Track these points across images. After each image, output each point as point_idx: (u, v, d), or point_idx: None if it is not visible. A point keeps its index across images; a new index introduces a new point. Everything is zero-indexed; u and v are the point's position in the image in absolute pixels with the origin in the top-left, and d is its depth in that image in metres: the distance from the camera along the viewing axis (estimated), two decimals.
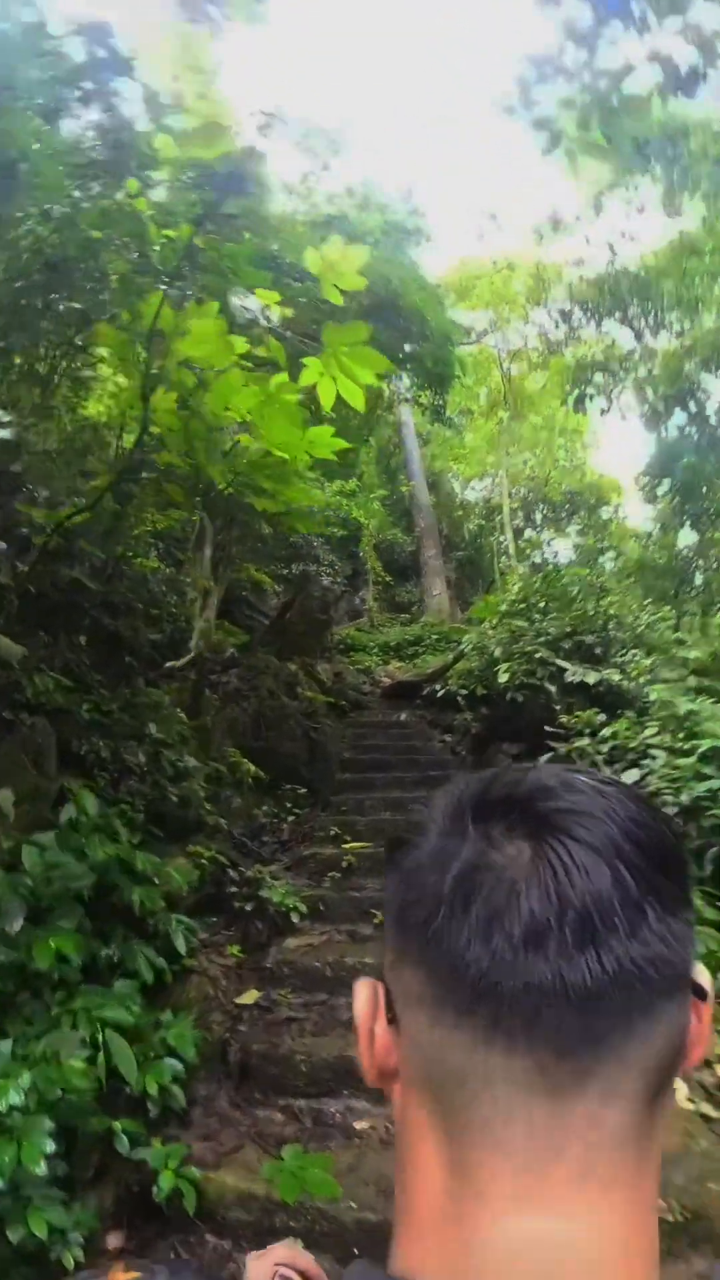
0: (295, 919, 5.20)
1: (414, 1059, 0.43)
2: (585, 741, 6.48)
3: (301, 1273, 0.70)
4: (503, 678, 6.83)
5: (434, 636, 13.99)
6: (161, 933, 4.59)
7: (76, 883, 4.15)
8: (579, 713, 7.05)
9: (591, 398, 12.21)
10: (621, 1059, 0.39)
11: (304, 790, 7.45)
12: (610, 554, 21.25)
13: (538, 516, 23.80)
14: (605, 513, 21.35)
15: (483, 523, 22.10)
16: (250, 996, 4.67)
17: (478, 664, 8.57)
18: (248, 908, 5.47)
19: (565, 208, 16.17)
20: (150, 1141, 3.61)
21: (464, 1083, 0.39)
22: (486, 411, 20.32)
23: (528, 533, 24.67)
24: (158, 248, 4.78)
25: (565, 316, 18.73)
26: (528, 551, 26.48)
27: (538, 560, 24.37)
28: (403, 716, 9.32)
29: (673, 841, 0.42)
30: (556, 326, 18.99)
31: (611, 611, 7.60)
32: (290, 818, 7.05)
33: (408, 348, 9.24)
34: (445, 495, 22.45)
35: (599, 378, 12.02)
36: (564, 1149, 0.38)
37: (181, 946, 4.58)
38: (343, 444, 3.48)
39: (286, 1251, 0.74)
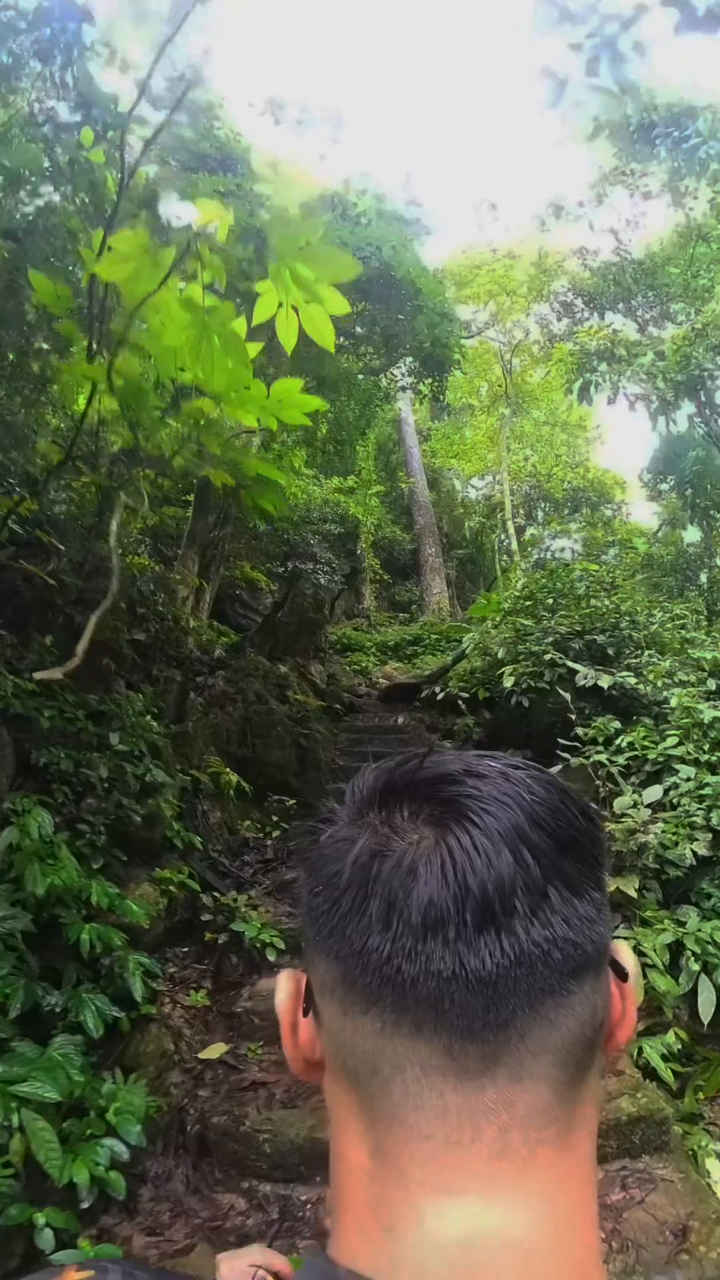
0: (272, 956, 4.51)
1: (331, 1048, 0.43)
2: (600, 752, 5.79)
3: (275, 1274, 0.67)
4: (507, 681, 6.14)
5: (433, 636, 13.31)
6: (117, 976, 3.91)
7: (7, 924, 3.48)
8: (592, 719, 6.35)
9: (597, 386, 11.47)
10: (527, 1041, 0.38)
11: (293, 802, 6.77)
12: (613, 551, 20.54)
13: (539, 514, 23.12)
14: (608, 510, 20.61)
15: (484, 520, 21.40)
16: (216, 1050, 3.98)
17: (480, 665, 7.88)
18: (221, 940, 4.79)
19: (569, 194, 15.46)
20: (79, 1239, 2.93)
21: (376, 1069, 0.39)
22: (487, 406, 19.62)
23: (529, 531, 23.97)
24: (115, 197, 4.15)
25: (567, 309, 18.02)
26: (529, 549, 25.80)
27: (537, 559, 23.70)
28: (400, 720, 8.63)
29: (582, 825, 0.41)
30: (559, 319, 18.30)
31: (625, 608, 6.89)
32: (276, 833, 6.36)
33: (402, 317, 8.53)
34: (445, 493, 21.76)
35: (604, 366, 11.30)
36: (478, 1132, 0.37)
37: (139, 992, 3.90)
38: (316, 402, 2.79)
39: (260, 1254, 0.72)
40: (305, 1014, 0.45)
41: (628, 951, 0.44)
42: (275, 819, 6.56)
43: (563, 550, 17.91)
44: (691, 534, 17.45)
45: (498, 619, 8.62)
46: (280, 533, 15.68)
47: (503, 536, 22.41)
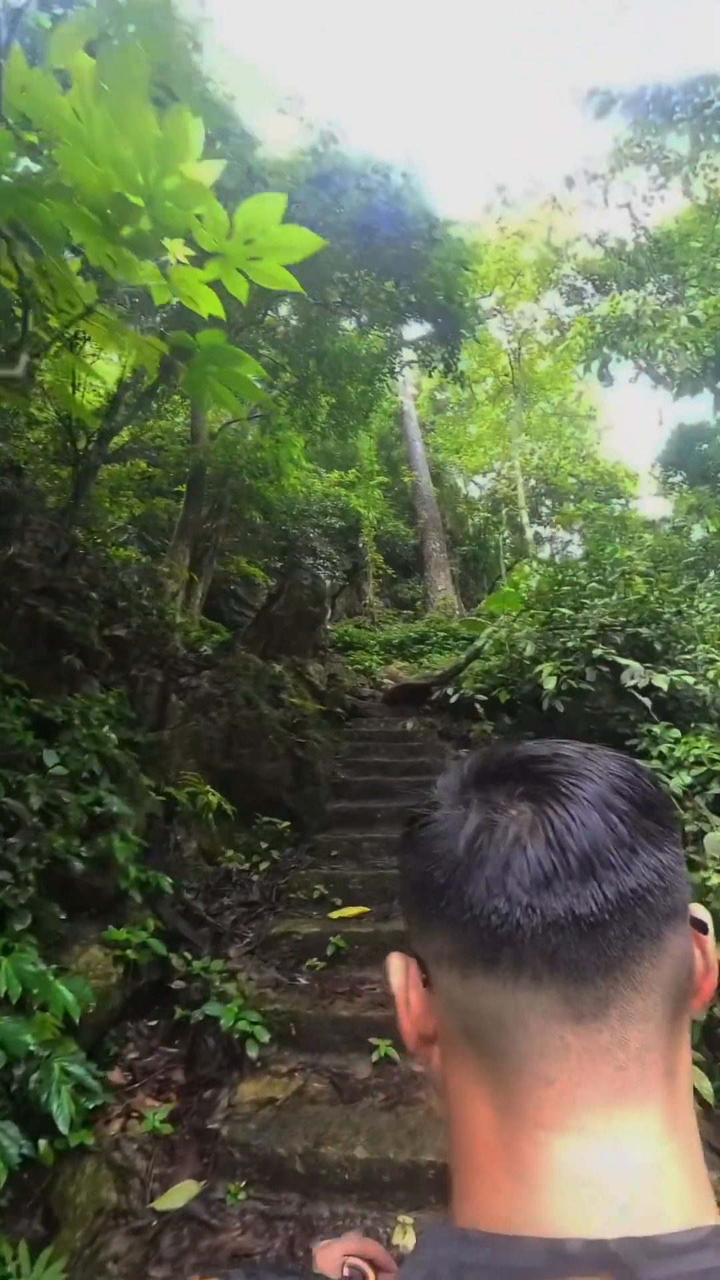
0: (253, 1051, 3.32)
1: (451, 1015, 0.44)
2: (659, 768, 4.60)
3: (370, 1260, 0.65)
4: (548, 683, 4.94)
5: (440, 634, 12.11)
6: (32, 1093, 2.73)
7: None
8: (639, 726, 5.16)
9: (618, 361, 10.29)
10: (634, 982, 0.40)
11: (285, 824, 5.58)
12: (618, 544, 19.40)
13: (543, 510, 21.96)
14: (617, 504, 19.42)
15: (488, 515, 20.21)
16: (181, 1195, 2.78)
17: (499, 663, 6.68)
18: (195, 1017, 3.61)
19: (580, 170, 14.26)
20: None
21: (500, 1024, 0.40)
22: (493, 397, 18.45)
23: (533, 528, 22.78)
24: None
25: (577, 294, 16.83)
26: (534, 548, 24.61)
27: (545, 554, 22.51)
28: (409, 726, 7.44)
29: (654, 791, 0.45)
30: (568, 305, 17.10)
31: (676, 595, 5.70)
32: (265, 864, 5.17)
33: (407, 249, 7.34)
34: (448, 489, 20.58)
35: (626, 340, 10.12)
36: (598, 1070, 0.39)
37: (64, 1118, 2.71)
38: (310, 239, 1.63)
39: (355, 1242, 0.70)
40: (425, 980, 0.46)
41: (702, 909, 0.46)
42: (265, 846, 5.36)
43: (570, 544, 16.71)
44: (697, 531, 16.26)
45: (515, 612, 7.43)
46: (278, 525, 14.51)
47: (507, 533, 21.26)
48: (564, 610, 5.68)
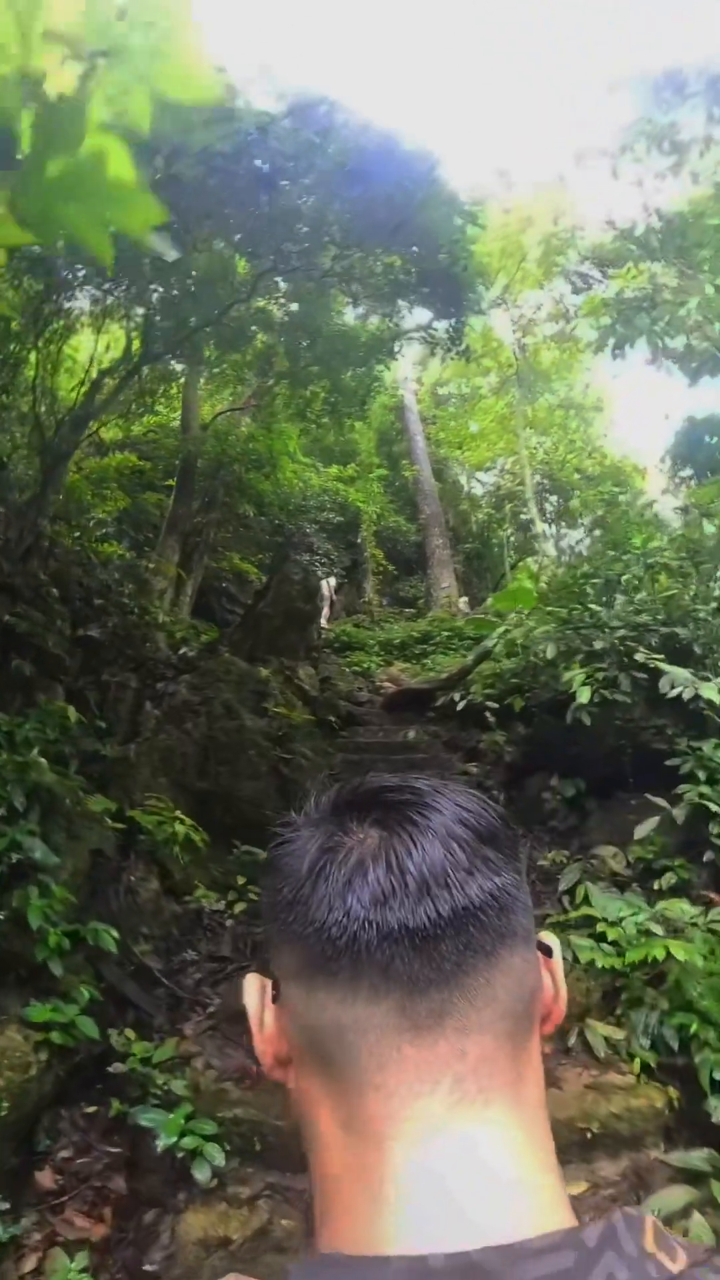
0: (201, 1174, 2.48)
1: (299, 1029, 0.44)
2: (705, 794, 3.75)
3: None
4: (581, 694, 4.06)
5: (444, 633, 11.26)
6: None
7: None
8: (678, 741, 4.31)
9: (631, 347, 9.41)
10: (469, 996, 0.41)
11: (266, 854, 4.75)
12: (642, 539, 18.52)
13: (548, 506, 21.11)
14: (623, 499, 18.55)
15: (492, 512, 19.35)
16: None
17: (513, 666, 5.84)
18: (138, 1120, 2.78)
19: (588, 150, 13.38)
20: None
21: (341, 1037, 0.41)
22: (497, 389, 17.58)
23: (537, 526, 21.92)
24: None
25: (585, 280, 15.96)
26: (541, 543, 23.72)
27: (551, 551, 21.63)
28: (411, 735, 6.59)
29: (498, 824, 0.46)
30: (574, 292, 16.23)
31: (716, 592, 4.85)
32: (241, 904, 4.32)
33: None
34: (450, 485, 19.71)
35: (642, 318, 9.24)
36: (436, 1081, 0.39)
37: None
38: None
39: None
40: (274, 1000, 0.47)
41: (552, 935, 0.49)
42: (242, 881, 4.52)
43: (580, 541, 15.86)
44: (707, 526, 15.32)
45: (526, 610, 6.59)
46: (273, 520, 13.68)
47: (511, 530, 20.41)
48: (592, 607, 4.82)
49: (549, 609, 5.93)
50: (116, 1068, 3.02)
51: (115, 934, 3.33)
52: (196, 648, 8.20)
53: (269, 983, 0.47)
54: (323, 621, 13.68)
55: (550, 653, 4.81)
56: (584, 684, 3.98)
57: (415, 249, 6.72)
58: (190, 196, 6.20)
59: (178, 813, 4.58)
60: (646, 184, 13.03)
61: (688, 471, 18.41)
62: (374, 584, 14.79)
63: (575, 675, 4.03)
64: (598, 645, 4.51)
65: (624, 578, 5.05)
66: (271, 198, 6.57)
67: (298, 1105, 0.45)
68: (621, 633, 4.47)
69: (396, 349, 9.03)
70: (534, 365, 16.63)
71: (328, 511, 14.98)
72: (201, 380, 13.59)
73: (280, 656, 6.89)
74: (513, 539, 21.24)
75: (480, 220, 7.68)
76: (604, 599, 5.04)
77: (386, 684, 8.58)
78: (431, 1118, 0.39)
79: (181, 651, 6.80)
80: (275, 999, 0.46)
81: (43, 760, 3.50)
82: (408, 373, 20.94)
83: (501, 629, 6.05)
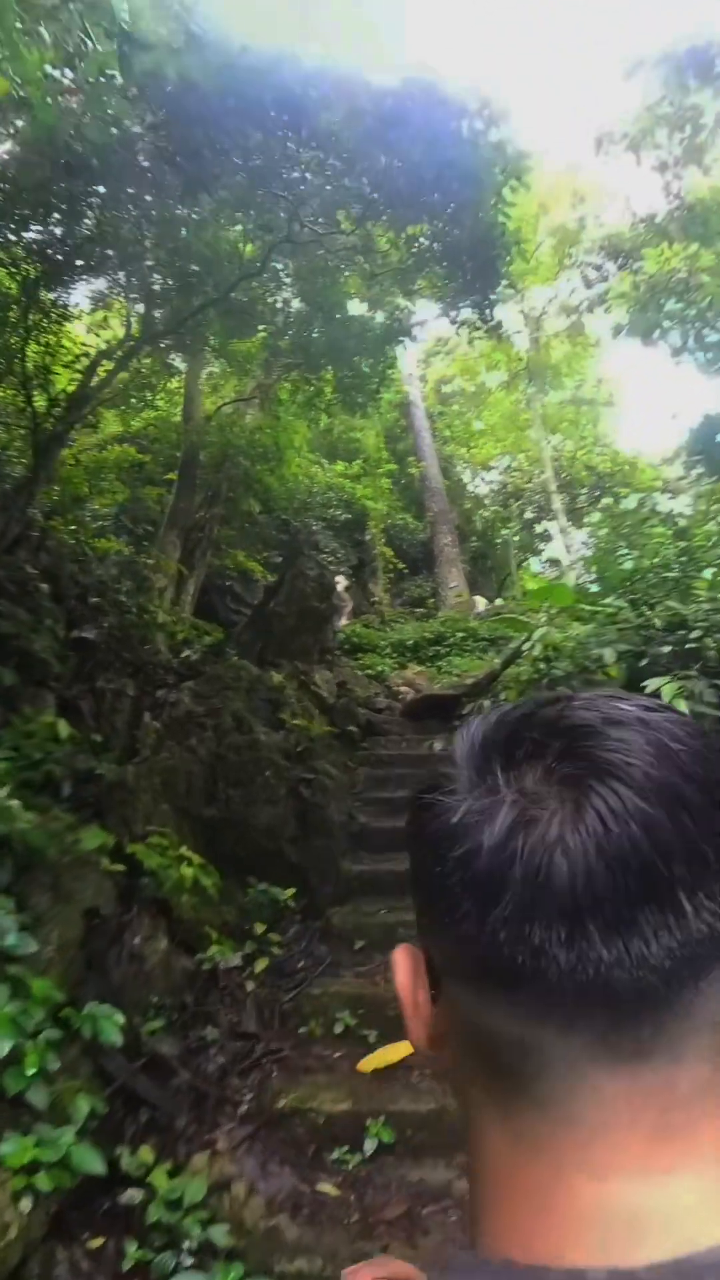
0: None
1: (461, 1030, 0.36)
2: None
3: None
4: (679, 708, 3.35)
5: (458, 634, 10.54)
6: None
7: None
8: None
9: (662, 330, 8.72)
10: (691, 1020, 0.32)
11: (288, 893, 4.02)
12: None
13: (555, 503, 20.44)
14: (633, 498, 17.88)
15: (499, 509, 18.65)
16: None
17: (563, 670, 5.12)
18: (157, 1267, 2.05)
19: (608, 129, 12.68)
20: None
21: (521, 1057, 0.33)
22: (507, 384, 16.88)
23: (560, 520, 21.22)
24: None
25: (599, 271, 15.26)
26: (563, 538, 22.99)
27: (557, 551, 20.95)
28: (437, 746, 5.86)
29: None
30: (588, 285, 15.54)
31: None
32: (262, 960, 3.59)
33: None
34: (455, 484, 18.99)
35: (673, 303, 8.56)
36: (636, 1116, 0.32)
37: None
38: None
39: (383, 1265, 0.63)
40: (435, 993, 0.38)
41: None
42: (261, 929, 3.79)
43: (599, 535, 15.11)
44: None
45: (556, 608, 5.87)
46: (279, 516, 12.93)
47: (518, 529, 19.72)
48: (673, 605, 4.10)
49: (594, 608, 5.21)
50: (130, 1197, 2.29)
51: (119, 1019, 2.59)
52: (201, 650, 7.45)
53: (421, 959, 0.39)
54: (342, 622, 12.96)
55: (610, 657, 4.09)
56: (677, 696, 3.27)
57: (451, 207, 5.95)
58: (198, 138, 5.46)
59: (184, 849, 3.84)
60: (669, 168, 12.34)
61: (700, 469, 17.70)
62: (382, 582, 14.06)
63: (665, 686, 3.32)
64: (665, 650, 3.79)
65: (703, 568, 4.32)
66: (290, 146, 5.82)
67: (457, 1093, 0.38)
68: (701, 636, 3.75)
69: (413, 331, 8.26)
70: (545, 360, 15.92)
71: (334, 508, 14.24)
72: (204, 374, 12.87)
73: (294, 660, 6.16)
74: (518, 538, 20.56)
75: (525, 178, 6.90)
76: (669, 599, 4.32)
77: (403, 689, 7.85)
78: (625, 1152, 0.32)
79: (184, 655, 6.06)
80: (435, 986, 0.38)
81: (14, 804, 2.74)
82: (413, 370, 20.25)
83: (540, 630, 5.32)
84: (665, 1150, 0.32)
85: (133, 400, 13.56)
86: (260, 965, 3.56)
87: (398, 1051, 2.85)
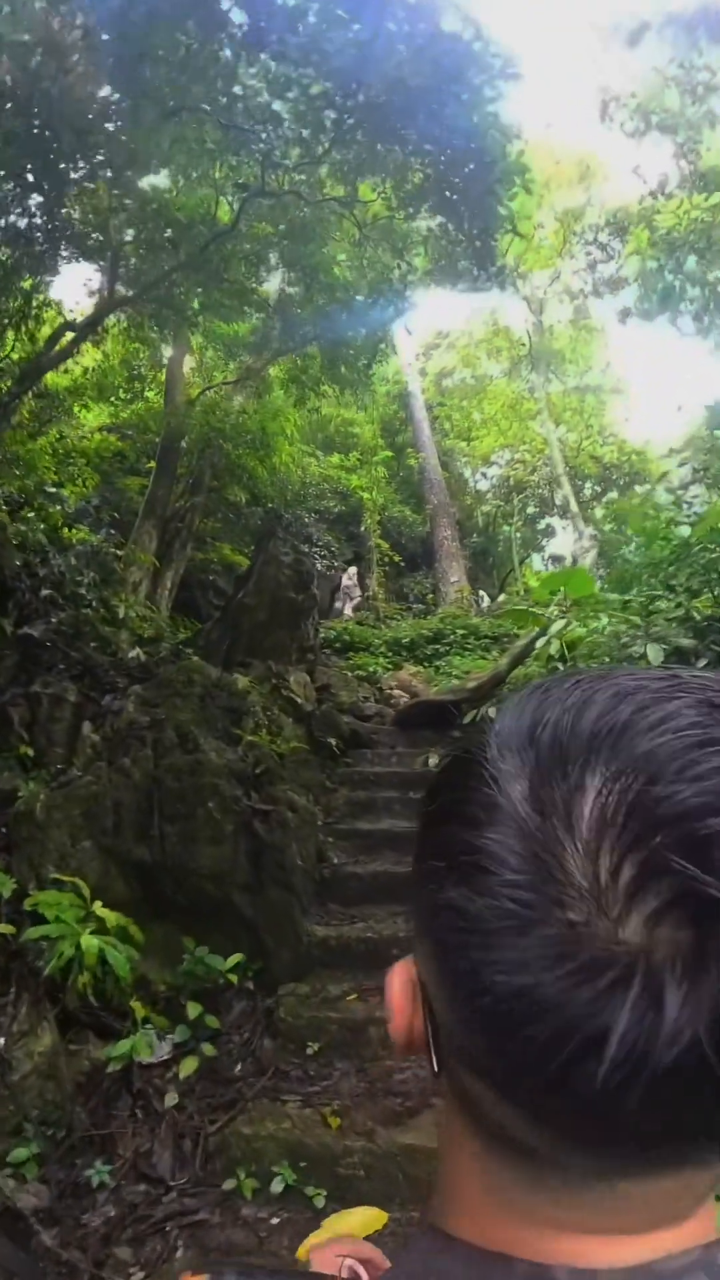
0: None
1: (461, 1094, 0.31)
2: None
3: (366, 1261, 0.60)
4: None
5: (459, 631, 9.55)
6: None
7: None
8: None
9: (681, 295, 7.68)
10: (694, 1161, 0.27)
11: (232, 961, 3.05)
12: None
13: (558, 497, 19.43)
14: (640, 489, 16.85)
15: (500, 504, 17.64)
16: None
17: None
18: None
19: (615, 94, 11.67)
20: None
21: (526, 1154, 0.29)
22: (509, 371, 15.87)
23: (544, 520, 20.21)
24: None
25: (605, 250, 14.24)
26: (581, 524, 21.95)
27: (563, 548, 19.92)
28: (433, 762, 4.87)
29: None
30: (593, 270, 14.54)
31: None
32: (192, 1059, 2.62)
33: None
34: (455, 476, 17.97)
35: (693, 262, 7.54)
36: (629, 1212, 0.29)
37: None
38: None
39: (350, 1244, 0.65)
40: (432, 1047, 0.32)
41: None
42: (196, 1013, 2.81)
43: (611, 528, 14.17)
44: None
45: (567, 600, 4.89)
46: (266, 506, 11.95)
47: (519, 525, 18.70)
48: None
49: (625, 599, 4.23)
50: None
51: None
52: (166, 649, 6.49)
53: (418, 983, 0.33)
54: (348, 611, 11.97)
55: (655, 655, 3.11)
56: None
57: (438, 132, 4.97)
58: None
59: (96, 905, 2.87)
60: (679, 131, 11.31)
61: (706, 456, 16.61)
62: (378, 576, 13.07)
63: None
64: None
65: None
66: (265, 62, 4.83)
67: (441, 1108, 0.34)
68: None
69: (407, 294, 7.26)
70: (549, 346, 14.90)
71: (328, 500, 13.28)
72: (194, 363, 11.95)
73: (267, 659, 5.18)
74: (520, 535, 19.54)
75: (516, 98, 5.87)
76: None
77: (396, 692, 6.87)
78: (618, 1227, 0.29)
79: (134, 653, 5.09)
80: (431, 1023, 0.32)
81: None
82: (411, 359, 19.24)
83: (556, 624, 4.32)
84: (662, 1227, 0.29)
85: (122, 393, 12.61)
86: (187, 1067, 2.59)
87: (352, 1224, 1.86)
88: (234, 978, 3.14)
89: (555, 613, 5.60)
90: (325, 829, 3.84)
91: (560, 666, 4.46)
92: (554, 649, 4.33)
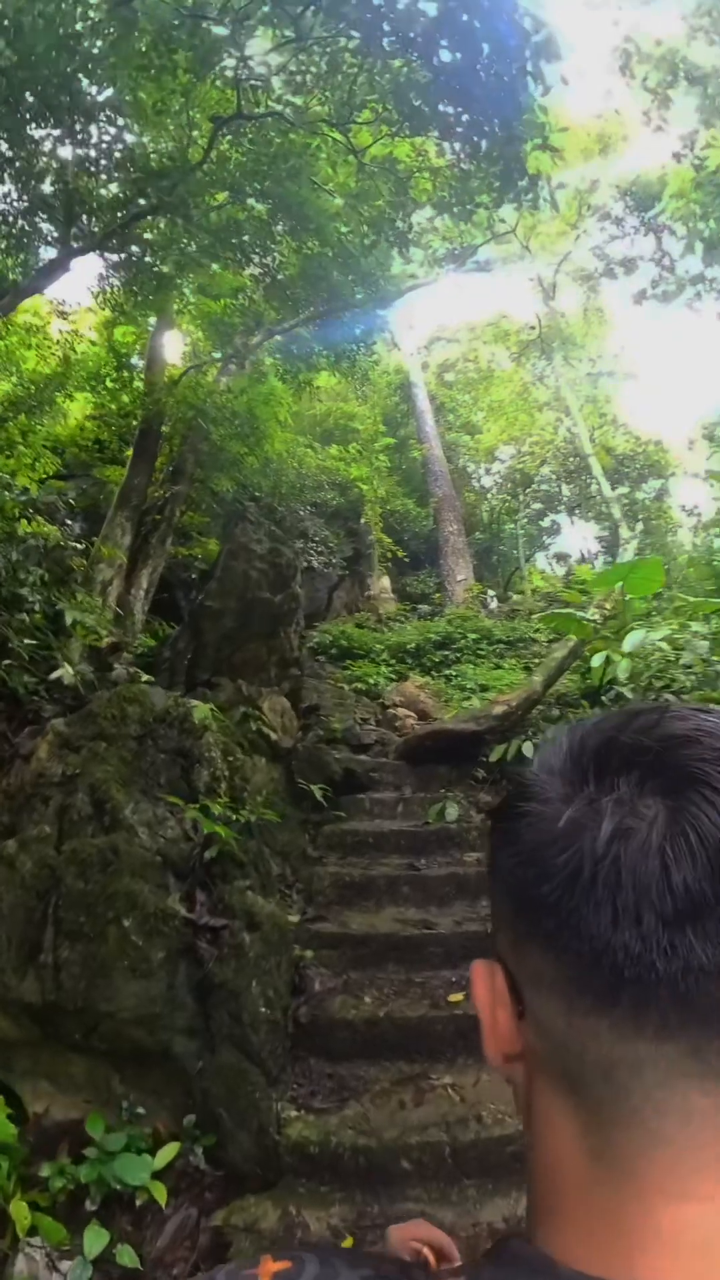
0: None
1: (546, 1047, 0.34)
2: None
3: (437, 1248, 0.61)
4: None
5: (471, 635, 8.33)
6: None
7: None
8: None
9: None
10: None
11: (169, 1152, 1.86)
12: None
13: (566, 492, 18.24)
14: (654, 483, 15.62)
15: (507, 498, 16.41)
16: None
17: (690, 682, 2.92)
18: None
19: (643, 39, 10.41)
20: None
21: (609, 1073, 0.32)
22: (517, 356, 14.62)
23: (605, 490, 18.97)
24: None
25: (620, 225, 13.00)
26: (546, 540, 20.79)
27: (562, 548, 18.70)
28: (450, 814, 3.64)
29: None
30: (609, 239, 13.30)
31: None
32: None
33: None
34: (459, 472, 16.72)
35: None
36: None
37: None
38: None
39: (425, 1229, 0.65)
40: (516, 1009, 0.36)
41: None
42: (100, 1241, 1.63)
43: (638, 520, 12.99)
44: None
45: (637, 595, 3.68)
46: (256, 495, 10.72)
47: (525, 522, 17.49)
48: None
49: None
50: None
51: None
52: (122, 667, 5.26)
53: (500, 975, 0.36)
54: (387, 604, 10.72)
55: None
56: None
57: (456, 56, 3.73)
58: None
59: None
60: (709, 81, 10.03)
61: None
62: (379, 571, 11.84)
63: None
64: None
65: None
66: None
67: (529, 1105, 0.36)
68: None
69: (409, 241, 5.99)
70: (561, 328, 13.65)
71: (325, 492, 12.04)
72: (181, 349, 10.76)
73: (237, 678, 3.95)
74: (524, 533, 18.32)
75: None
76: None
77: (402, 711, 5.64)
78: (704, 1181, 0.30)
79: (59, 673, 3.86)
80: (517, 1003, 0.35)
81: None
82: (413, 349, 18.02)
83: (635, 632, 3.08)
84: None
85: (110, 382, 11.39)
86: None
87: None
88: (162, 1194, 1.95)
89: (594, 614, 4.38)
90: (304, 933, 2.63)
91: (627, 695, 3.23)
92: (622, 671, 3.10)
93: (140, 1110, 2.38)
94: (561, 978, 0.32)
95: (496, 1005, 0.37)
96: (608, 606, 4.78)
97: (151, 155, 6.64)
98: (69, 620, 5.33)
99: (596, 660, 3.24)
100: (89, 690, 4.05)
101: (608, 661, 3.23)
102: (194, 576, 9.52)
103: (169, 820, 2.58)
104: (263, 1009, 2.14)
